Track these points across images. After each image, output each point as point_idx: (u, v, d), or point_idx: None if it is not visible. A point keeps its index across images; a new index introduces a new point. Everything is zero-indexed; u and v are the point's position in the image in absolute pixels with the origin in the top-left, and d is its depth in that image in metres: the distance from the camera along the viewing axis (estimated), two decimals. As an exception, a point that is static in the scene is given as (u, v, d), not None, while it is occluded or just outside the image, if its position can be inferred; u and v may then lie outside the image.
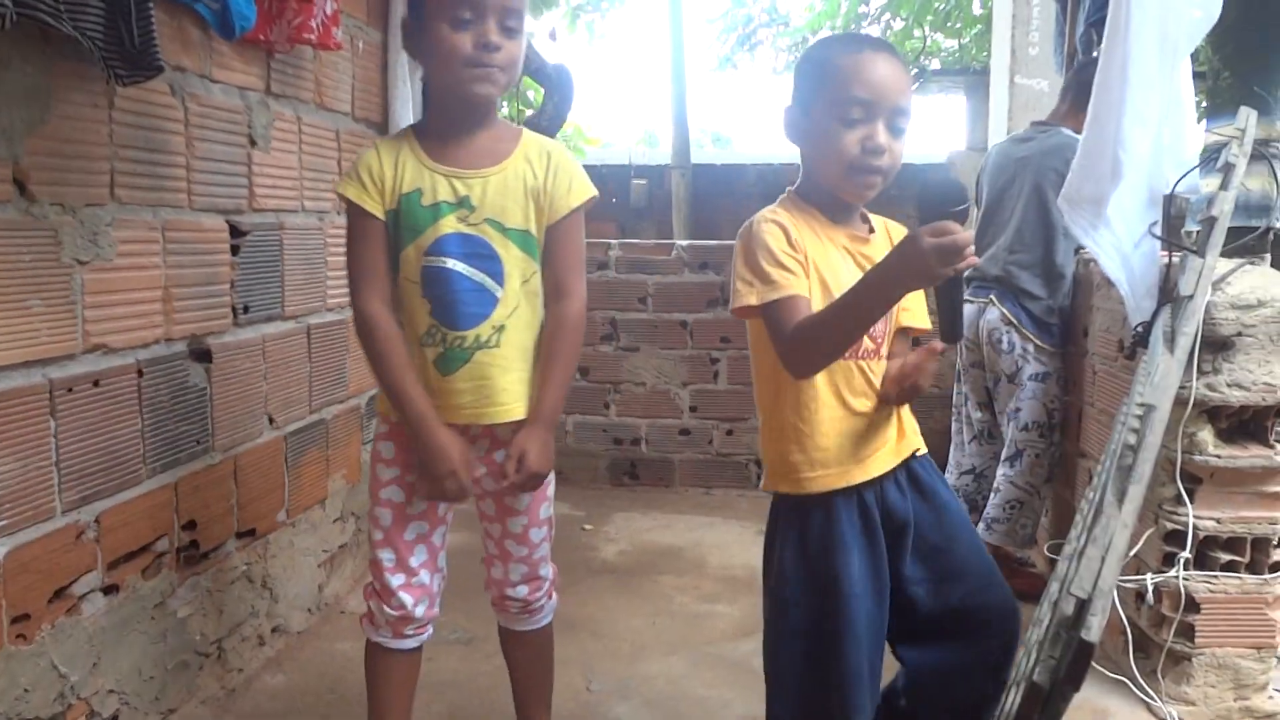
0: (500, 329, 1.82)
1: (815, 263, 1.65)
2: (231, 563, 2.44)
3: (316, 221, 2.79)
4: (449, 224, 1.79)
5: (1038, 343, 3.13)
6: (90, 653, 1.96)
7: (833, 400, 1.68)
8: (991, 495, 3.22)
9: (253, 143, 2.46)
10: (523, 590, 2.00)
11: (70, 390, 1.88)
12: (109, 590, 2.02)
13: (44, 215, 1.80)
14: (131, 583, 2.08)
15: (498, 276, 1.81)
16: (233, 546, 2.45)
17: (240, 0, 2.22)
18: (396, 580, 1.89)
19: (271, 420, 2.59)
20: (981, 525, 3.19)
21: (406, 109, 3.23)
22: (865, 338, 1.68)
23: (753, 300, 1.60)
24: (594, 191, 1.91)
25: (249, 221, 2.45)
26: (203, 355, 2.29)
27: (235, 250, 2.41)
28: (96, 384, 1.95)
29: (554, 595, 2.08)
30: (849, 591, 1.64)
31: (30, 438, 1.79)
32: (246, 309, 2.45)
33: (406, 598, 1.89)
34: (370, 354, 1.82)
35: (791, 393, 1.68)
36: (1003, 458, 3.23)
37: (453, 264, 1.79)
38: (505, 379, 1.84)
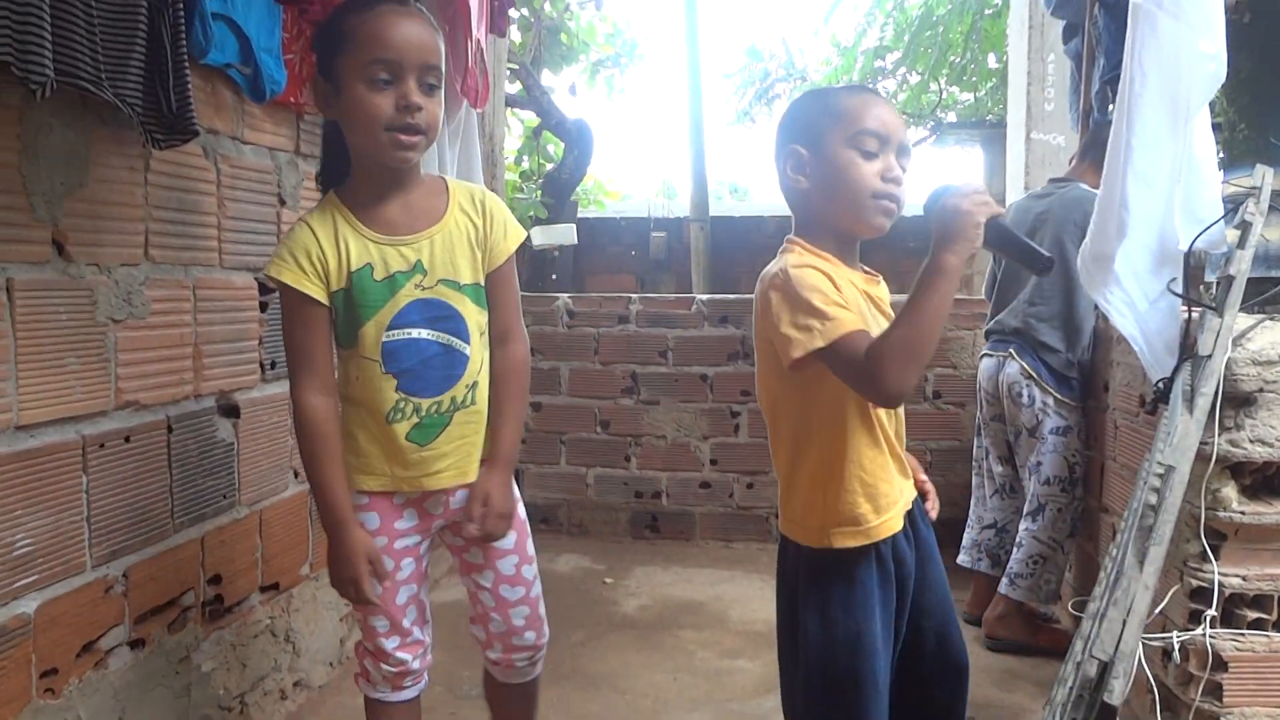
0: (473, 386, 1.82)
1: (850, 304, 1.59)
2: (255, 616, 2.46)
3: (342, 278, 2.83)
4: (407, 294, 1.75)
5: (1057, 396, 3.12)
6: (115, 707, 1.97)
7: (884, 442, 1.66)
8: (1015, 550, 3.20)
9: (282, 202, 2.51)
10: (530, 636, 1.97)
11: (102, 446, 1.91)
12: (135, 644, 2.03)
13: (80, 275, 1.84)
14: (157, 637, 2.10)
15: (463, 335, 1.79)
16: (256, 600, 2.46)
17: (271, 65, 2.28)
18: (392, 643, 1.90)
19: (296, 474, 2.62)
20: (1005, 580, 3.17)
21: (431, 167, 3.27)
22: None
23: (818, 343, 1.50)
24: (524, 234, 1.89)
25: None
26: (230, 411, 2.33)
27: (263, 307, 2.45)
28: (127, 440, 1.98)
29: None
30: (873, 648, 1.62)
31: (63, 493, 1.82)
32: (274, 365, 2.49)
33: (405, 656, 1.91)
34: (304, 447, 1.76)
35: (857, 439, 1.63)
36: (1025, 512, 3.20)
37: (418, 333, 1.76)
38: (481, 434, 1.85)
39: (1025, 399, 3.16)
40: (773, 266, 1.67)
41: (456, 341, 1.79)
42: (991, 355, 3.29)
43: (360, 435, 1.81)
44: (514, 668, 2.00)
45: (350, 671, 2.88)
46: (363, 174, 1.76)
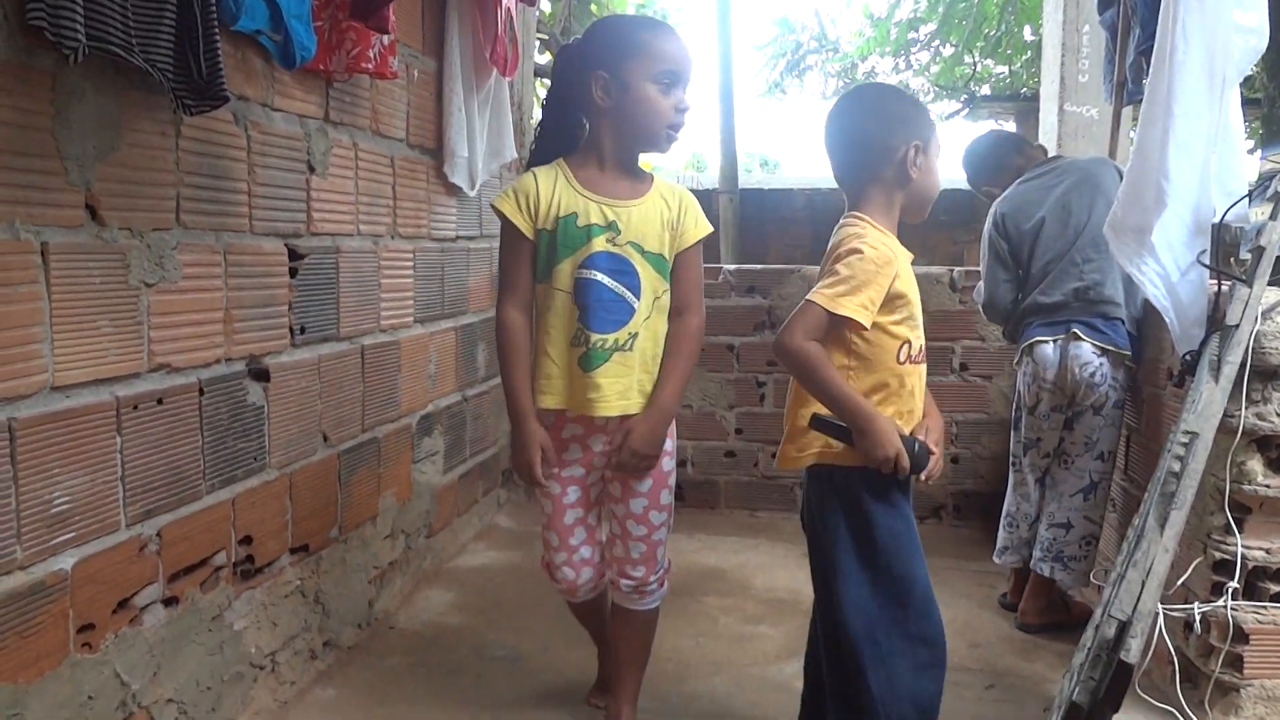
0: (634, 335, 2.14)
1: None
2: (285, 577, 2.50)
3: (371, 245, 2.86)
4: (599, 243, 2.10)
5: (1129, 365, 2.95)
6: (151, 663, 2.02)
7: None
8: (1063, 533, 3.02)
9: (311, 169, 2.53)
10: (640, 570, 2.27)
11: (135, 408, 1.95)
12: (169, 602, 2.08)
13: (113, 239, 1.87)
14: (190, 595, 2.15)
15: (635, 290, 2.13)
16: (286, 561, 2.51)
17: (301, 31, 2.29)
18: (560, 558, 2.29)
19: (326, 438, 2.65)
20: (1053, 566, 3.01)
21: (461, 136, 3.30)
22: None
23: None
24: (711, 228, 2.24)
25: (306, 245, 2.53)
26: (261, 375, 2.36)
27: (293, 273, 2.48)
28: (160, 402, 2.02)
29: (665, 584, 2.34)
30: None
31: (98, 453, 1.86)
32: (303, 329, 2.52)
33: (569, 571, 2.30)
34: (502, 350, 2.18)
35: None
36: (1071, 492, 3.03)
37: (600, 276, 2.10)
38: (631, 378, 2.15)
39: (1099, 378, 2.92)
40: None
41: (628, 294, 2.13)
42: (1047, 340, 2.99)
43: (548, 357, 2.15)
44: (620, 591, 2.30)
45: (379, 633, 2.94)
46: (602, 152, 2.14)
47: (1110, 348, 2.92)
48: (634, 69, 2.04)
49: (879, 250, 1.90)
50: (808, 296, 1.91)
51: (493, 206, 2.16)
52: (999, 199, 3.23)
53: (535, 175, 2.14)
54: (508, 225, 2.14)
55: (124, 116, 1.88)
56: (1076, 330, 2.94)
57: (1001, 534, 3.25)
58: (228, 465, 2.25)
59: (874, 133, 1.98)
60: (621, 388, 2.14)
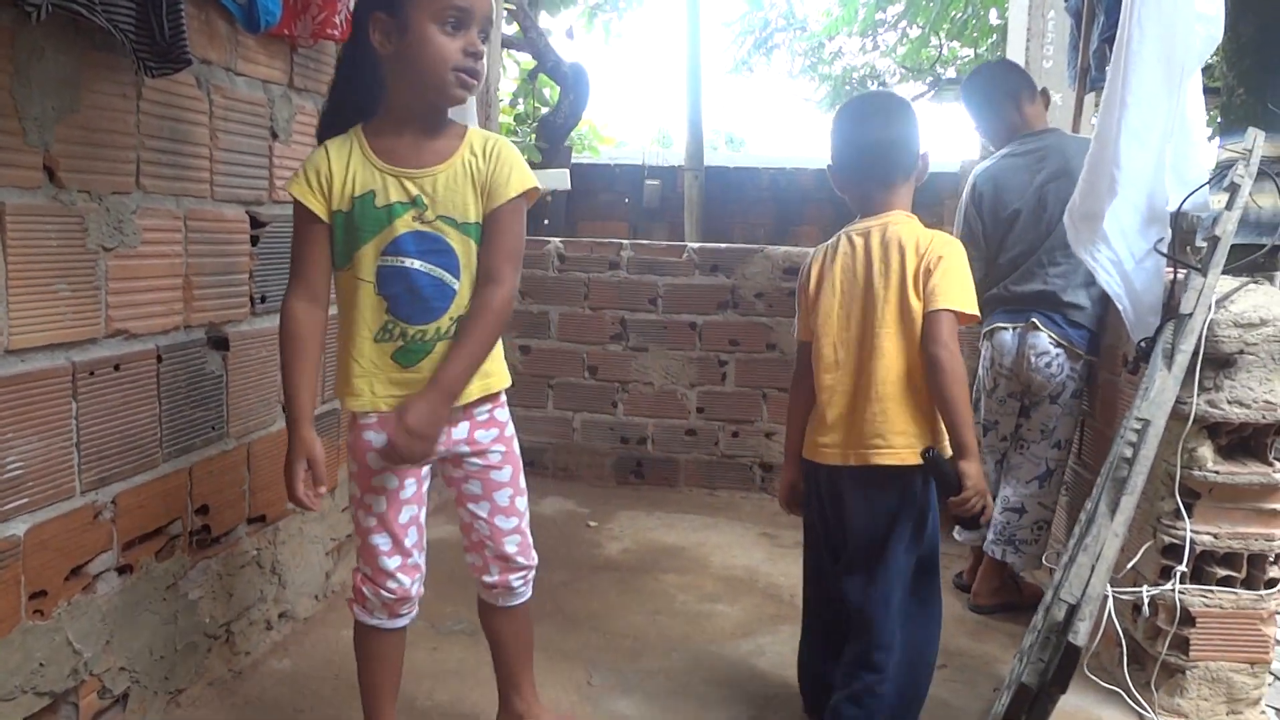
0: (457, 320, 1.89)
1: None
2: (242, 548, 2.49)
3: (334, 214, 2.83)
4: (404, 224, 1.85)
5: (1086, 358, 2.98)
6: (104, 631, 2.00)
7: None
8: (1015, 517, 3.06)
9: (274, 135, 2.50)
10: (521, 559, 2.10)
11: (92, 374, 1.93)
12: (123, 570, 2.06)
13: (72, 202, 1.84)
14: (145, 564, 2.13)
15: (454, 270, 1.88)
16: (243, 532, 2.49)
17: (266, -4, 2.26)
18: (393, 563, 1.98)
19: (284, 408, 2.63)
20: (1005, 549, 3.05)
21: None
22: None
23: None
24: (534, 183, 1.93)
25: (268, 213, 2.49)
26: (220, 343, 2.34)
27: (254, 241, 2.45)
28: (117, 368, 2.00)
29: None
30: None
31: (53, 419, 1.83)
32: (264, 299, 2.50)
33: (404, 578, 2.00)
34: (281, 345, 1.91)
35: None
36: (1027, 478, 3.07)
37: (410, 262, 1.86)
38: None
39: (1054, 368, 2.96)
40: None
41: (446, 275, 1.88)
42: (1007, 327, 3.02)
43: (349, 355, 1.91)
44: (510, 589, 2.11)
45: (335, 605, 2.93)
46: (393, 110, 1.88)
47: (1067, 344, 2.96)
48: (414, 7, 1.76)
49: None
50: (943, 307, 2.07)
51: (286, 190, 1.91)
52: (980, 170, 3.19)
53: (327, 149, 1.88)
54: (298, 207, 1.86)
55: (84, 77, 1.85)
56: (1035, 320, 2.97)
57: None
58: (185, 434, 2.23)
59: (914, 136, 2.22)
60: None
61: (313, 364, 1.91)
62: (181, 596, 2.25)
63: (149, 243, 2.06)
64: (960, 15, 13.95)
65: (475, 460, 2.02)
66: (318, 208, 1.85)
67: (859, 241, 2.21)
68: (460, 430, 1.98)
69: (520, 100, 8.45)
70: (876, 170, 2.21)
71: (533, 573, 2.15)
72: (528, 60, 7.93)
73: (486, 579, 2.11)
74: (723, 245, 4.49)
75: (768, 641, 2.86)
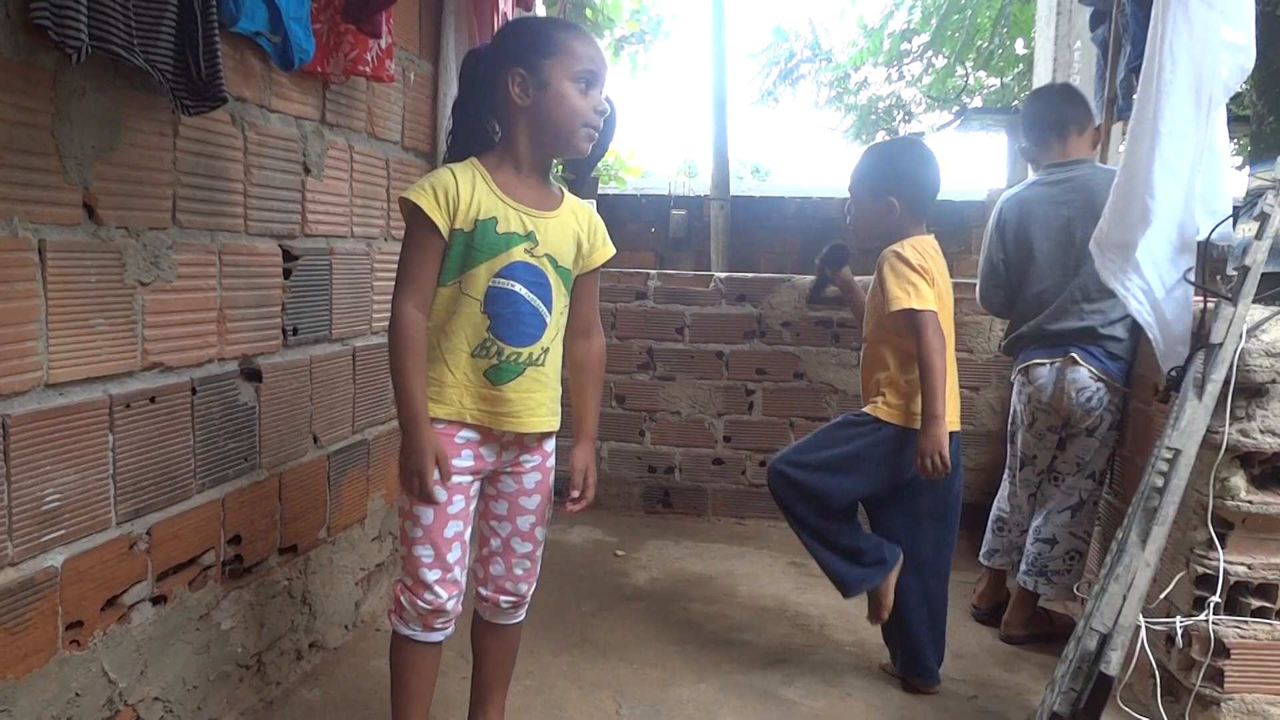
0: (546, 350, 2.06)
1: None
2: (274, 578, 2.51)
3: (365, 247, 2.87)
4: (519, 252, 2.01)
5: (1125, 391, 2.97)
6: (138, 661, 2.02)
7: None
8: (1047, 548, 3.05)
9: (307, 170, 2.54)
10: (524, 587, 2.20)
11: (128, 406, 1.96)
12: (157, 600, 2.08)
13: (110, 238, 1.88)
14: (179, 594, 2.15)
15: (549, 304, 2.06)
16: (275, 562, 2.51)
17: (300, 34, 2.30)
18: (433, 575, 2.05)
19: (316, 440, 2.66)
20: (1037, 580, 3.05)
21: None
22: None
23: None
24: (614, 251, 2.20)
25: (301, 246, 2.53)
26: (253, 375, 2.37)
27: (287, 274, 2.49)
28: (153, 400, 2.03)
29: None
30: None
31: (90, 451, 1.86)
32: (296, 331, 2.53)
33: (441, 592, 2.06)
34: (394, 349, 1.98)
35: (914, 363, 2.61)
36: (1059, 509, 3.06)
37: (519, 288, 2.01)
38: (545, 394, 2.08)
39: (1094, 402, 2.95)
40: None
41: (543, 307, 2.05)
42: (1044, 363, 3.01)
43: (440, 366, 2.02)
44: (499, 608, 2.20)
45: (365, 635, 2.94)
46: (515, 153, 2.04)
47: (1106, 379, 2.95)
48: (553, 67, 1.96)
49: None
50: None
51: (403, 199, 1.98)
52: (1007, 196, 3.21)
53: (453, 172, 2.00)
54: (421, 219, 1.96)
55: (123, 116, 1.89)
56: (1075, 355, 2.96)
57: (990, 537, 3.29)
58: (218, 465, 2.25)
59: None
60: (533, 403, 2.06)
61: (425, 368, 2.00)
62: (214, 626, 2.27)
63: (184, 277, 2.10)
64: (986, 45, 13.97)
65: (510, 481, 2.13)
66: (441, 222, 1.95)
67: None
68: (510, 452, 2.10)
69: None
70: (921, 208, 2.78)
71: (527, 602, 2.23)
72: (555, 93, 8.00)
73: (482, 590, 2.20)
74: (749, 274, 4.50)
75: (796, 671, 2.85)
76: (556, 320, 2.08)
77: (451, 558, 2.07)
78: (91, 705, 1.90)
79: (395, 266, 2.00)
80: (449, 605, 2.08)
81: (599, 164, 8.25)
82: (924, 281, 2.61)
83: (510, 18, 3.50)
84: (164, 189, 2.02)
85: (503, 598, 2.19)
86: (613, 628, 3.10)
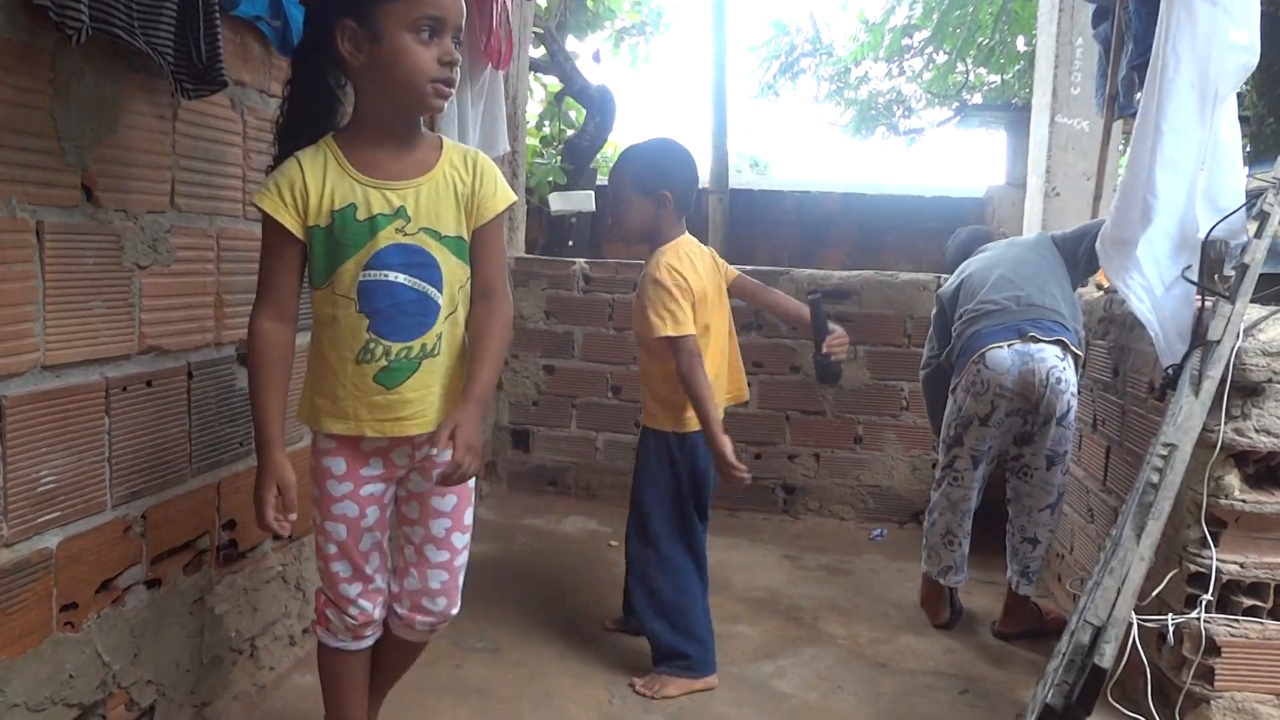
0: (440, 336, 1.85)
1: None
2: (267, 563, 2.51)
3: (363, 234, 2.86)
4: (387, 236, 1.79)
5: (1076, 352, 2.94)
6: (132, 644, 2.02)
7: None
8: (1030, 548, 3.04)
9: (306, 156, 2.53)
10: (441, 603, 1.99)
11: (124, 389, 1.96)
12: (151, 584, 2.08)
13: (108, 221, 1.88)
14: (173, 578, 2.15)
15: (437, 284, 1.83)
16: (269, 547, 2.51)
17: (300, 18, 2.29)
18: (354, 590, 1.96)
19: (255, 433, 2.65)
20: (1023, 580, 3.04)
21: (452, 127, 3.30)
22: None
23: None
24: (515, 198, 1.95)
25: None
26: (250, 360, 2.36)
27: (285, 259, 2.48)
28: (149, 384, 2.02)
29: None
30: None
31: (86, 434, 1.86)
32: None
33: (366, 604, 1.97)
34: (251, 367, 1.85)
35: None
36: (1039, 507, 3.02)
37: (394, 276, 1.80)
38: (447, 382, 1.89)
39: (1064, 384, 2.87)
40: None
41: (431, 289, 1.83)
42: (1003, 345, 2.89)
43: (330, 376, 1.85)
44: (414, 629, 2.02)
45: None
46: (367, 120, 1.82)
47: (1072, 346, 2.90)
48: (387, 16, 1.70)
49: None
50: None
51: (253, 204, 1.83)
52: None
53: (299, 161, 1.78)
54: (271, 224, 1.78)
55: (122, 99, 1.88)
56: (1034, 333, 2.88)
57: (945, 553, 3.14)
58: (214, 449, 2.25)
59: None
60: (434, 397, 1.86)
61: (284, 386, 1.86)
62: (208, 610, 2.27)
63: (182, 261, 2.09)
64: (987, 41, 13.95)
65: (420, 479, 1.94)
66: (291, 223, 1.77)
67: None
68: (423, 451, 1.90)
69: (547, 122, 8.49)
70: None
71: (445, 623, 2.03)
72: (554, 83, 7.97)
73: (397, 608, 2.00)
74: (747, 267, 4.48)
75: (789, 663, 2.86)
76: (451, 298, 1.85)
77: (370, 568, 1.96)
78: (85, 687, 1.90)
79: (261, 252, 1.88)
80: (376, 614, 1.98)
81: (598, 155, 8.22)
82: (683, 302, 2.63)
83: (509, 6, 3.50)
84: (163, 172, 2.02)
85: (419, 618, 1.98)
86: (606, 617, 3.10)
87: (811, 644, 3.02)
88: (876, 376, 4.31)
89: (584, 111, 7.73)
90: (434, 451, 1.79)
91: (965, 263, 3.34)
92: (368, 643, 2.03)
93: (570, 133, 8.00)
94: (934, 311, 3.37)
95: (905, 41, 15.28)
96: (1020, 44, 13.56)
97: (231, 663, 2.38)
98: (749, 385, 4.34)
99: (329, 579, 1.96)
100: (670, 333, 2.61)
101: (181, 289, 2.10)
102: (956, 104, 14.41)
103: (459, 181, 1.85)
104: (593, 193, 7.02)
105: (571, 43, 8.44)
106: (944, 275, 4.26)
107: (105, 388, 1.90)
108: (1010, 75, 14.01)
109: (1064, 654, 1.40)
